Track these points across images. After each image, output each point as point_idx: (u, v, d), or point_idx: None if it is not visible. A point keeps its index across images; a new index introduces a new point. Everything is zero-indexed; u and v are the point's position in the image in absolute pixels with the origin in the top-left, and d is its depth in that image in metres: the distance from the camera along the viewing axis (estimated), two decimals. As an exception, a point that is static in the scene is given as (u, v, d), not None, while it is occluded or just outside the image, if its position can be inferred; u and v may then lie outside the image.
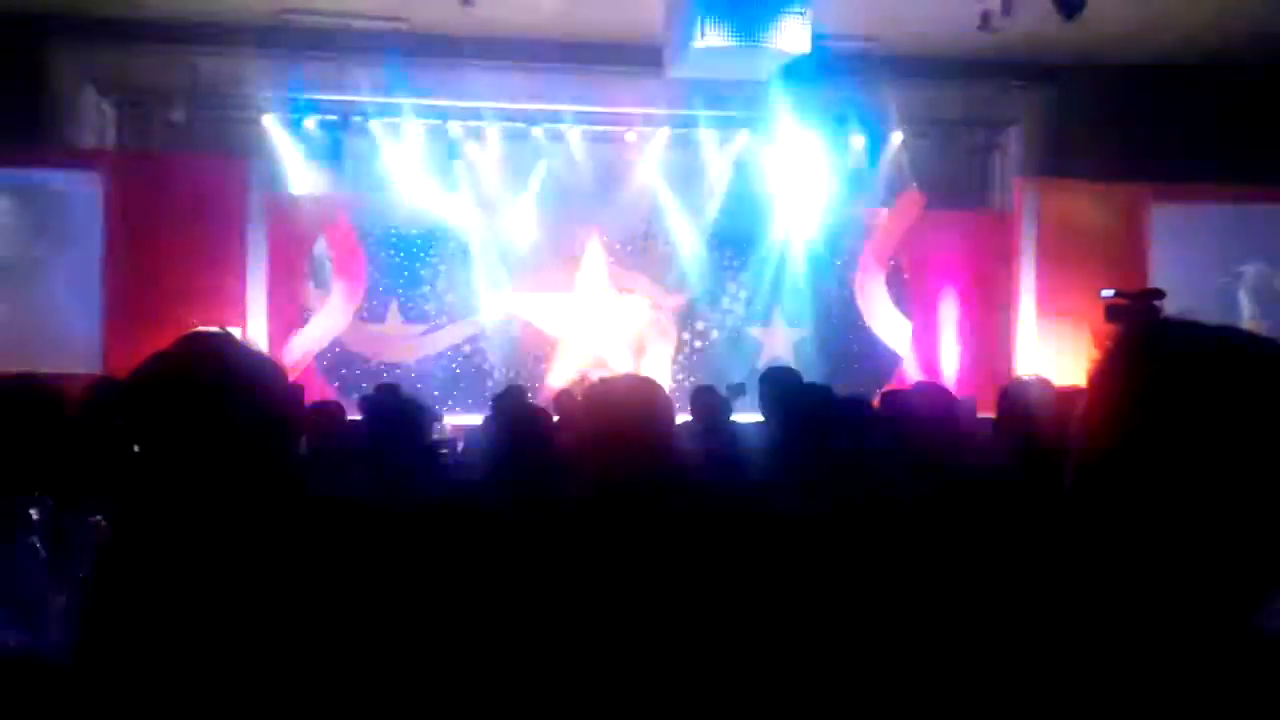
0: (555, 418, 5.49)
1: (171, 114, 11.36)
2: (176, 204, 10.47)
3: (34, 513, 2.82)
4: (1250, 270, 12.09)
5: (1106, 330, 1.34)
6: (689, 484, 3.06)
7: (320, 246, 11.75)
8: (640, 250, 12.79)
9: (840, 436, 3.98)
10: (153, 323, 10.14)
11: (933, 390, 3.86)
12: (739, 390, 7.66)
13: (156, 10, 10.46)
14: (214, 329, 1.95)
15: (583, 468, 2.99)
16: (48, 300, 10.41)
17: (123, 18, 10.48)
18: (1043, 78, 11.85)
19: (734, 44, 8.21)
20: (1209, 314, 1.30)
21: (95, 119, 11.48)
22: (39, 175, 10.42)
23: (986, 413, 5.50)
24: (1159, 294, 9.88)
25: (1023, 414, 3.37)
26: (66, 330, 10.31)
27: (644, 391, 2.66)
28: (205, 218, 10.56)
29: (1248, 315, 11.95)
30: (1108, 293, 10.00)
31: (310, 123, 11.66)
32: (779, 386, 4.08)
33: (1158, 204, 12.11)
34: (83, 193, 10.46)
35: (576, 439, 3.16)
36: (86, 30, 10.60)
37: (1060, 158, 12.04)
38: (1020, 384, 4.29)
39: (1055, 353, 11.13)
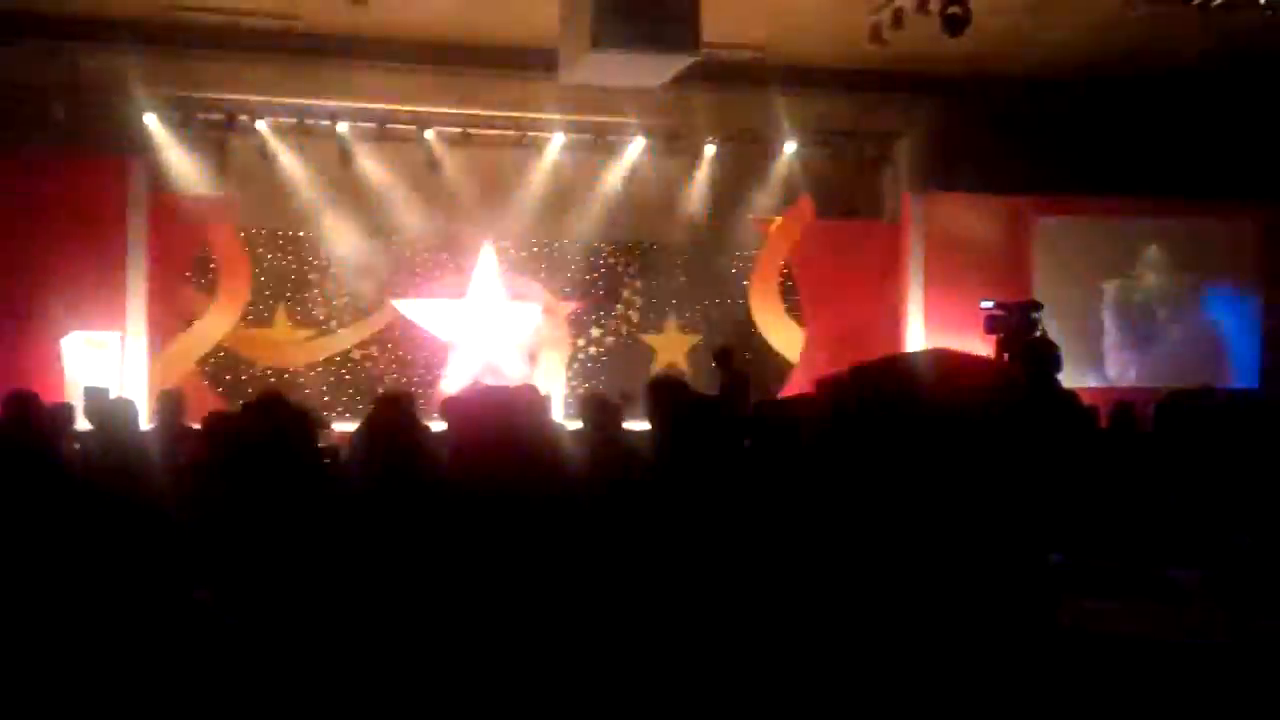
0: (444, 425, 5.42)
1: (51, 110, 10.95)
2: (53, 204, 10.13)
3: None
4: (1110, 287, 12.55)
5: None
6: (569, 489, 3.06)
7: (204, 249, 11.47)
8: (534, 256, 12.75)
9: (723, 447, 4.00)
10: (30, 326, 9.84)
11: (810, 399, 3.90)
12: (631, 398, 7.65)
13: (37, 2, 10.10)
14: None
15: (462, 473, 2.98)
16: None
17: (2, 9, 10.09)
18: (930, 90, 12.09)
19: (627, 51, 8.20)
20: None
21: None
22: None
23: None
24: (1037, 306, 10.15)
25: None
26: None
27: (518, 398, 2.65)
28: (85, 218, 10.24)
29: (1110, 328, 12.44)
30: (987, 304, 10.26)
31: (194, 122, 11.36)
32: (665, 395, 4.09)
33: (1040, 215, 12.46)
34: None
35: (456, 444, 3.14)
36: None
37: (948, 170, 12.28)
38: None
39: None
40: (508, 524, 2.54)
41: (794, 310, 12.64)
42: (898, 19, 9.74)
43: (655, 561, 2.72)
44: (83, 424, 6.28)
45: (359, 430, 5.40)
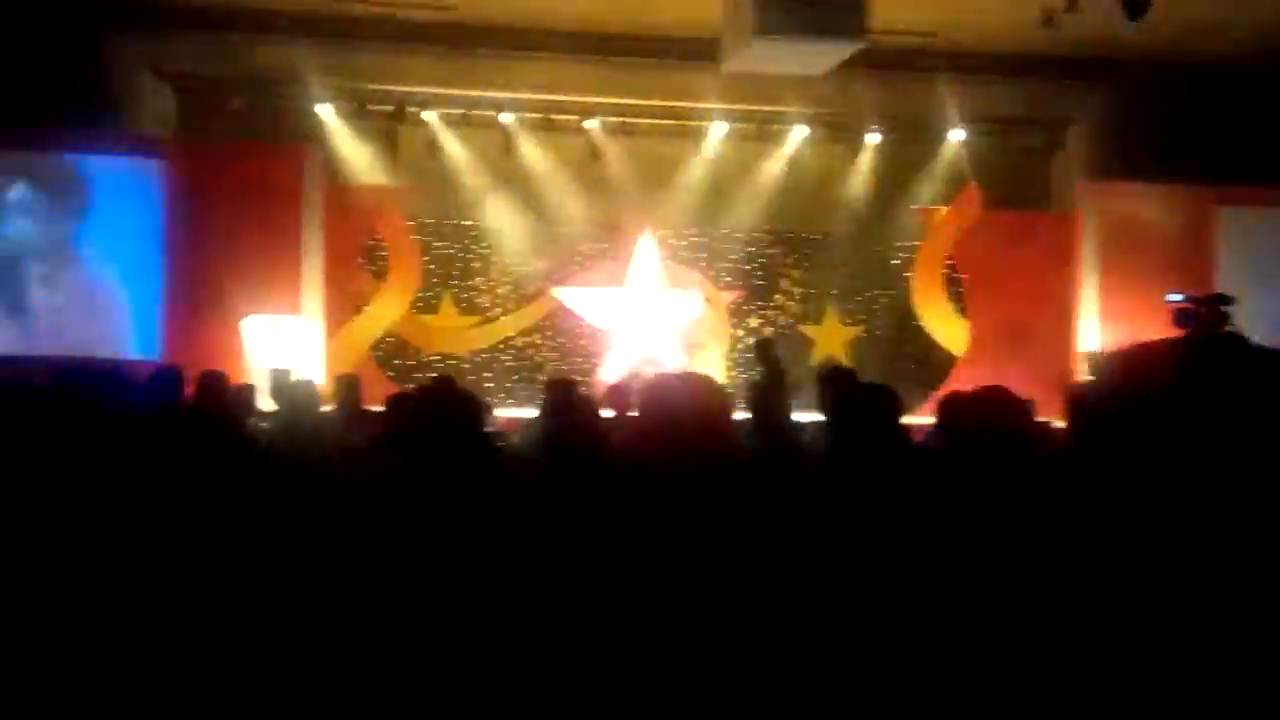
0: (609, 412, 5.45)
1: (230, 101, 11.42)
2: (234, 191, 10.52)
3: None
4: None
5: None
6: (746, 480, 3.00)
7: (375, 237, 11.80)
8: (693, 246, 12.72)
9: (901, 440, 3.90)
10: (209, 309, 10.25)
11: (996, 395, 3.77)
12: (797, 389, 7.58)
13: (218, -1, 10.52)
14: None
15: (638, 461, 2.95)
16: (102, 285, 10.49)
17: (182, 4, 10.53)
18: (1105, 76, 11.61)
19: (792, 39, 8.11)
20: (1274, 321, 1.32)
21: (155, 106, 11.56)
22: (101, 160, 10.50)
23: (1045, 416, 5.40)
24: (1228, 299, 9.65)
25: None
26: (122, 315, 10.40)
27: (703, 386, 2.60)
28: (263, 206, 10.60)
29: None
30: (1175, 297, 9.78)
31: (366, 113, 11.69)
32: (839, 386, 4.01)
33: (1223, 206, 11.86)
34: (142, 178, 10.54)
35: (633, 432, 3.12)
36: (146, 16, 10.66)
37: (1123, 158, 11.79)
38: (1083, 387, 4.19)
39: (1116, 356, 10.91)
40: (693, 514, 2.50)
41: (958, 302, 12.32)
42: (1071, 3, 9.37)
43: (829, 554, 2.64)
44: (264, 404, 6.51)
45: (542, 415, 5.48)
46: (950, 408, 4.86)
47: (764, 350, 9.64)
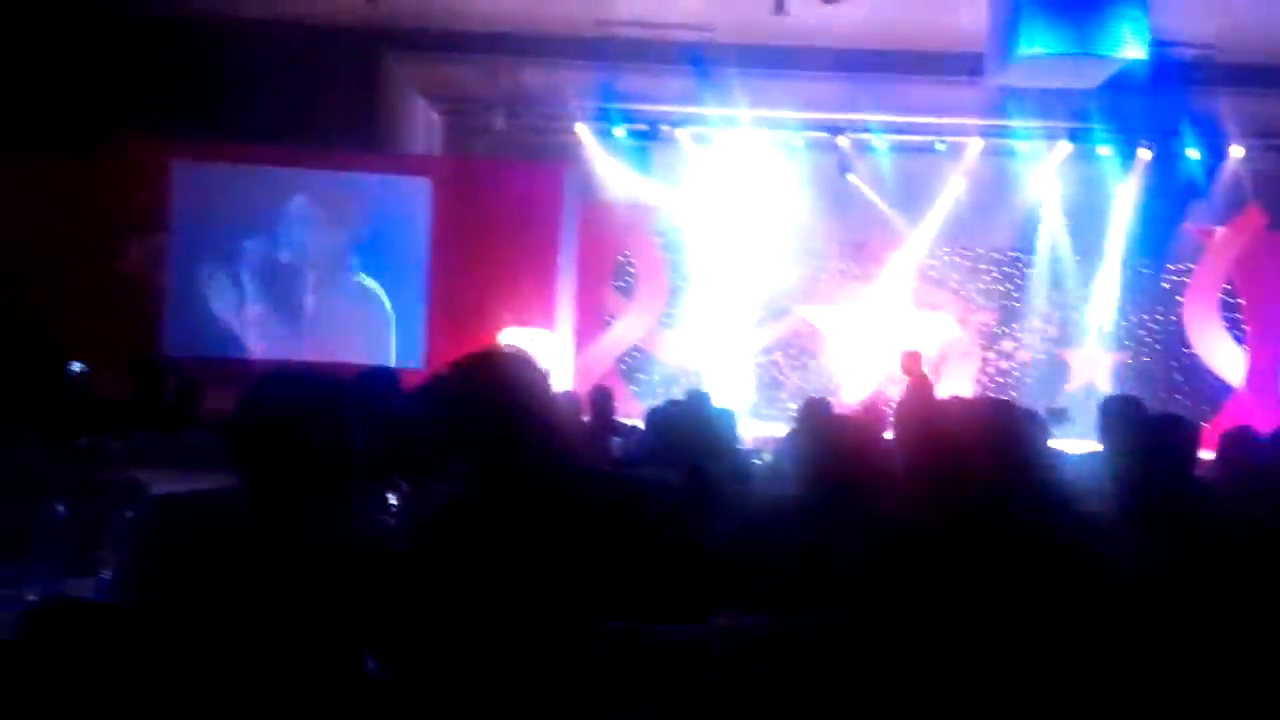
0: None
1: (493, 121, 11.88)
2: (496, 208, 10.90)
3: (391, 497, 2.96)
4: None
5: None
6: (1032, 516, 2.86)
7: (626, 253, 12.03)
8: (946, 265, 12.38)
9: (1190, 477, 3.65)
10: (471, 321, 10.65)
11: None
12: (1062, 416, 7.25)
13: (482, 23, 10.93)
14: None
15: (917, 491, 2.85)
16: (372, 296, 11.04)
17: (450, 30, 11.00)
18: None
19: (1064, 51, 7.78)
20: None
21: (424, 127, 12.15)
22: (374, 179, 11.09)
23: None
24: None
25: None
26: (388, 325, 10.94)
27: (1002, 414, 2.49)
28: (523, 222, 10.94)
29: None
30: None
31: (620, 131, 11.92)
32: (1123, 416, 3.78)
33: None
34: (410, 195, 11.07)
35: (914, 458, 3.02)
36: (417, 43, 11.20)
37: None
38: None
39: None
40: (983, 547, 2.39)
41: (1235, 329, 11.54)
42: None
43: (1120, 608, 2.48)
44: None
45: (797, 431, 5.42)
46: (1237, 445, 4.54)
47: (912, 364, 9.50)
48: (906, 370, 9.87)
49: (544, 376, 2.25)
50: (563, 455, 2.17)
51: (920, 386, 9.55)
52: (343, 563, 1.98)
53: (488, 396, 2.14)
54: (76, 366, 6.16)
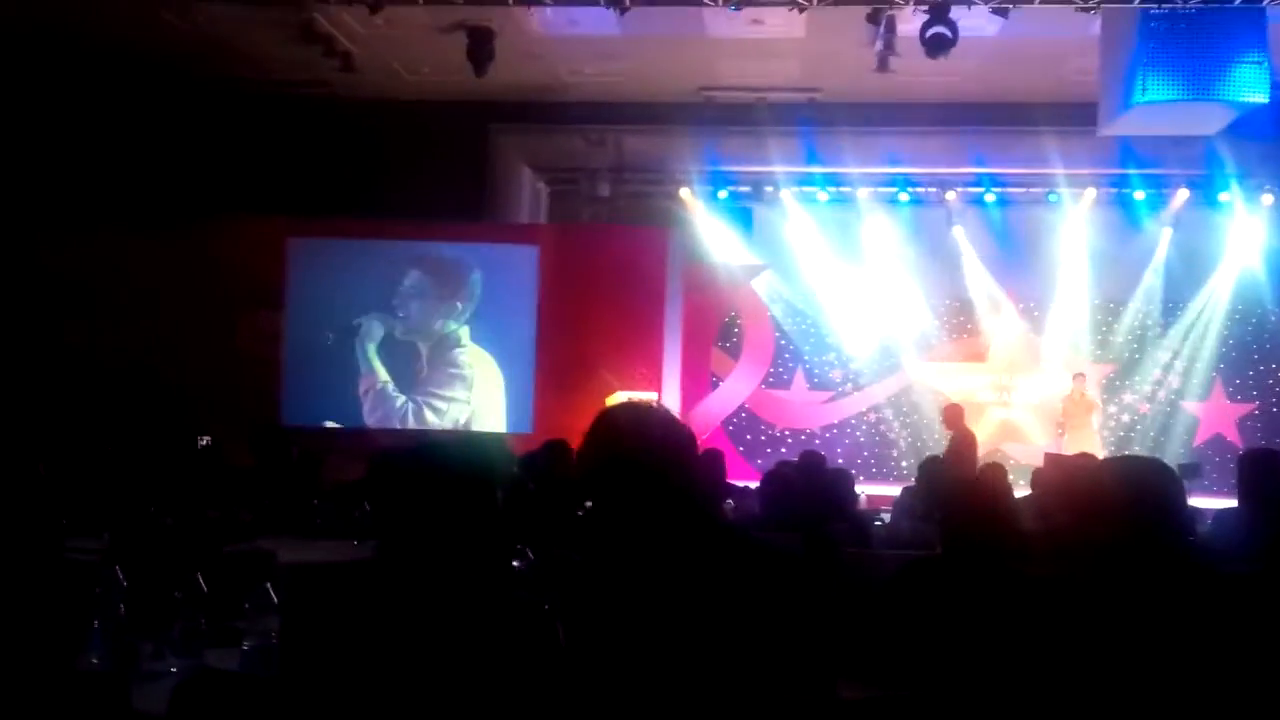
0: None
1: (598, 188, 12.02)
2: (602, 273, 10.97)
3: (517, 564, 2.95)
4: None
5: None
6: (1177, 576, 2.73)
7: (731, 314, 12.00)
8: (1061, 318, 12.08)
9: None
10: (579, 386, 10.69)
11: None
12: (1193, 471, 6.99)
13: (586, 94, 11.10)
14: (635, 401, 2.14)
15: (1060, 551, 2.76)
16: (483, 363, 11.16)
17: (555, 101, 11.20)
18: None
19: (1183, 98, 7.59)
20: None
21: (530, 196, 12.34)
22: (483, 249, 11.26)
23: None
24: None
25: None
26: (499, 391, 11.04)
27: (1147, 473, 2.40)
28: (628, 286, 10.99)
29: None
30: None
31: (724, 194, 11.95)
32: (1270, 471, 3.62)
33: None
34: (518, 263, 11.21)
35: (1056, 518, 2.93)
36: (523, 115, 11.42)
37: None
38: None
39: None
40: (1133, 604, 2.29)
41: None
42: None
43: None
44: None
45: (915, 488, 5.32)
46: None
47: (955, 417, 9.34)
48: (949, 424, 9.76)
49: (689, 431, 2.13)
50: (706, 514, 2.07)
51: (963, 441, 9.39)
52: (500, 642, 1.92)
53: (635, 449, 2.01)
54: (204, 439, 6.31)
